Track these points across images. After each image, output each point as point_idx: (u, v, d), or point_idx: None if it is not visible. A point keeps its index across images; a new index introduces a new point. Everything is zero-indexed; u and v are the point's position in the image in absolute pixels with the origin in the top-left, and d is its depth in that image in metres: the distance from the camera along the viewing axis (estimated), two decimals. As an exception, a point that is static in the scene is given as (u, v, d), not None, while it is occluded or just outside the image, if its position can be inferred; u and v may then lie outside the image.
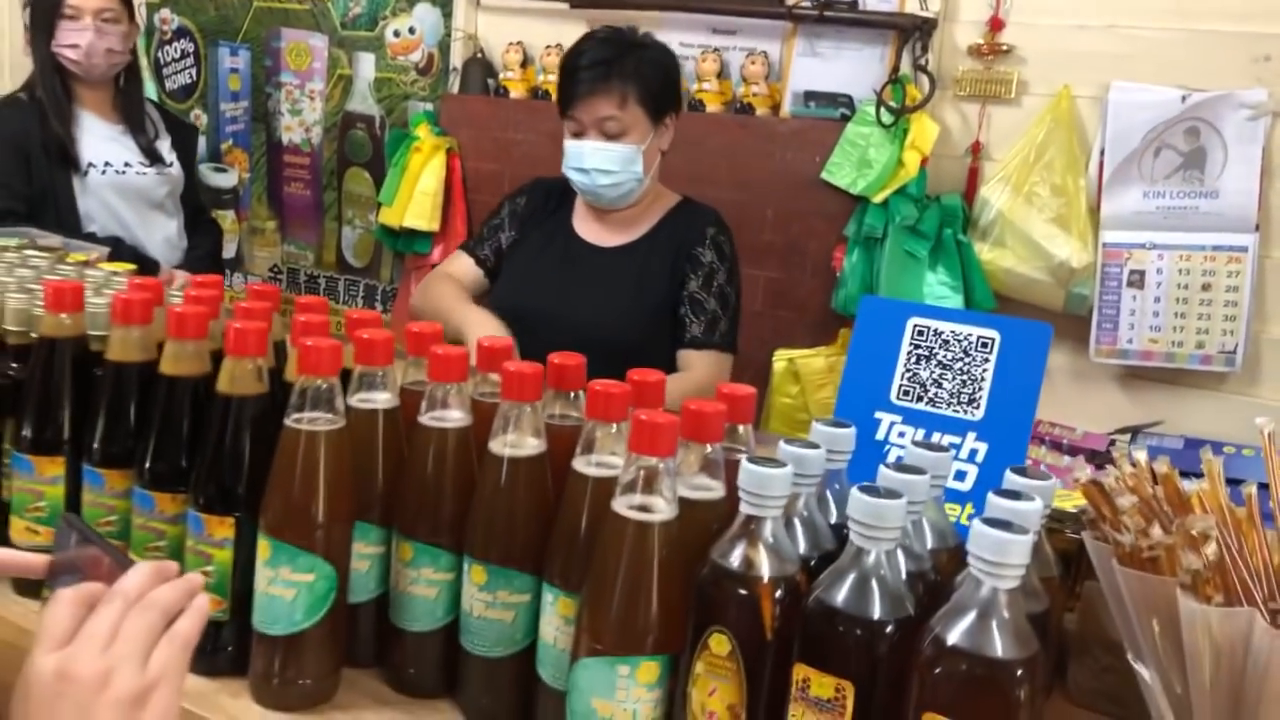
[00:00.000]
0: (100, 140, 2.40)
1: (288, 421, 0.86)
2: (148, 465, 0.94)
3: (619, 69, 1.78)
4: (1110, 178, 2.23)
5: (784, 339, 2.52)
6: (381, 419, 0.93)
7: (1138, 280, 2.25)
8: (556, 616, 0.83)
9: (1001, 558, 0.61)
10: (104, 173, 2.37)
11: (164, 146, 2.52)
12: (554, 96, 2.02)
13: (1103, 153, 2.23)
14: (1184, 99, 2.16)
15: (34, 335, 1.04)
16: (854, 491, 0.67)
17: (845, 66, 2.49)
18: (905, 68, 2.37)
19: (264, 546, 0.86)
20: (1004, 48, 2.33)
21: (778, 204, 2.53)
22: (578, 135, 1.83)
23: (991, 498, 0.69)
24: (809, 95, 2.53)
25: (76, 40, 2.29)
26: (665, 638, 0.74)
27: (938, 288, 2.29)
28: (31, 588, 1.01)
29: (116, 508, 0.97)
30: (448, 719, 0.90)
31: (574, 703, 0.76)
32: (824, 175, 2.43)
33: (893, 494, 0.67)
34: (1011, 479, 0.75)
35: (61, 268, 1.35)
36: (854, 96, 2.47)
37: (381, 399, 0.93)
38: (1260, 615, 0.54)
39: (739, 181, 2.56)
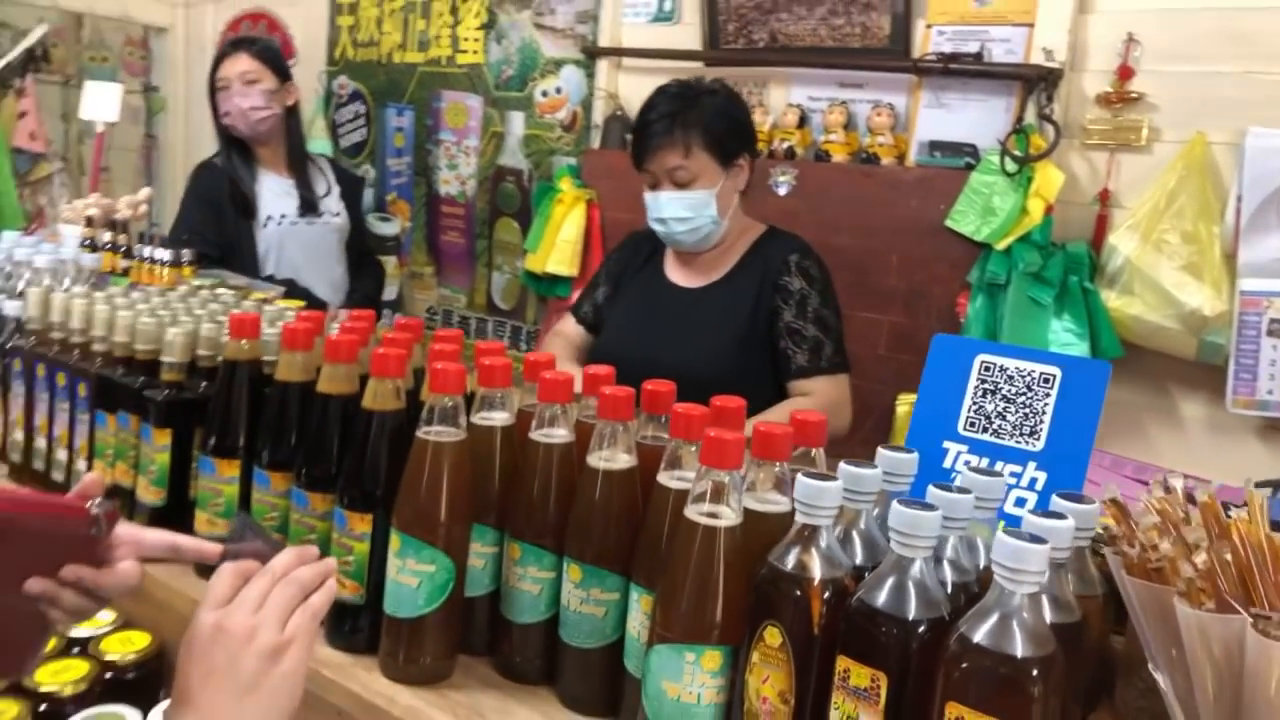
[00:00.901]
0: (275, 195, 2.72)
1: (418, 433, 1.00)
2: (304, 469, 1.10)
3: (682, 120, 1.89)
4: (1248, 224, 2.18)
5: (907, 383, 2.53)
6: (499, 435, 1.06)
7: (1279, 329, 2.17)
8: (640, 613, 0.93)
9: (1019, 564, 0.68)
10: (279, 224, 2.69)
11: (331, 199, 2.80)
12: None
13: (1239, 199, 2.19)
14: (1326, 144, 2.10)
15: (219, 359, 1.24)
16: (894, 504, 0.75)
17: (970, 116, 2.53)
18: (1030, 117, 2.39)
19: (395, 540, 1.01)
20: (1133, 95, 2.32)
21: (902, 250, 2.58)
22: (654, 187, 1.95)
23: (1027, 515, 0.76)
24: (934, 145, 2.59)
25: (227, 106, 2.64)
26: (727, 630, 0.83)
27: (1063, 334, 2.28)
28: (208, 571, 1.20)
29: (278, 505, 1.14)
30: (547, 704, 1.01)
31: (648, 685, 0.86)
32: (948, 222, 2.47)
33: (929, 507, 0.75)
34: (1055, 502, 0.81)
35: (245, 303, 1.56)
36: (978, 146, 2.50)
37: (499, 417, 1.07)
38: (1249, 621, 0.59)
39: (864, 228, 2.63)
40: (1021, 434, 0.94)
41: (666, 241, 2.02)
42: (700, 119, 1.90)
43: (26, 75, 3.87)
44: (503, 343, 3.35)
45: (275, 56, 2.74)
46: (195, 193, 2.73)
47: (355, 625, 1.07)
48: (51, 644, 1.16)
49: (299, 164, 2.78)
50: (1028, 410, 0.94)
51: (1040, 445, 0.93)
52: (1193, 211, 2.20)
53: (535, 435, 1.03)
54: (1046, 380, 0.95)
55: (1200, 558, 0.62)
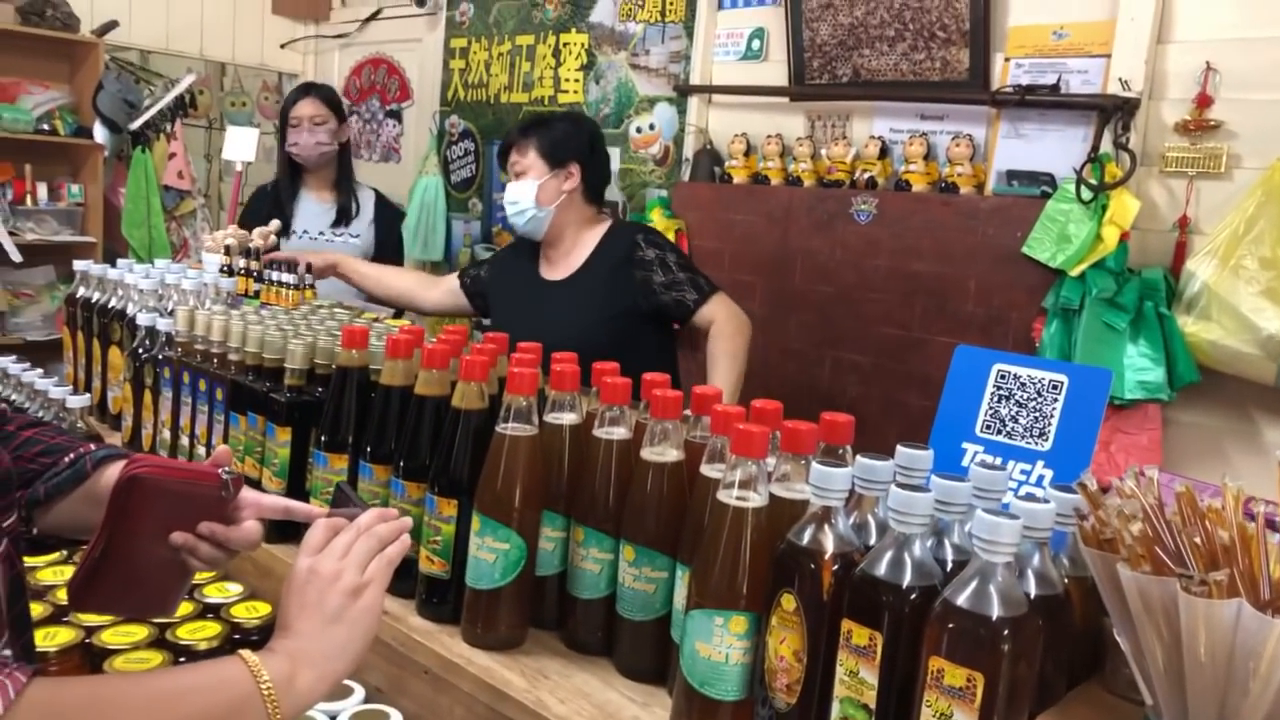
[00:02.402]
0: (310, 214, 3.16)
1: (497, 429, 1.16)
2: (401, 461, 1.27)
3: (528, 129, 2.38)
4: (1329, 250, 2.18)
5: (985, 407, 2.60)
6: (567, 432, 1.21)
7: (1362, 355, 2.16)
8: (685, 589, 1.06)
9: (993, 536, 0.78)
10: (300, 238, 3.10)
11: (358, 223, 3.20)
12: (771, 181, 2.79)
13: (1320, 225, 2.19)
14: None
15: (333, 366, 1.42)
16: (893, 488, 0.87)
17: (1047, 146, 2.59)
18: (1106, 146, 2.43)
19: (476, 521, 1.16)
20: (1212, 123, 2.35)
21: (980, 277, 2.65)
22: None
23: (1013, 499, 0.86)
24: (1011, 174, 2.65)
25: (295, 140, 3.12)
26: (752, 598, 0.95)
27: (1139, 359, 2.31)
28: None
29: (379, 493, 1.31)
30: (606, 672, 1.14)
31: (684, 646, 0.98)
32: (1024, 250, 2.52)
33: (922, 490, 0.86)
34: (1048, 491, 0.91)
35: (357, 320, 1.76)
36: (1055, 175, 2.55)
37: (568, 418, 1.21)
38: (1179, 583, 0.68)
39: (942, 255, 2.71)
40: (1032, 435, 1.03)
41: (515, 228, 2.43)
42: (542, 131, 2.35)
43: (176, 120, 4.28)
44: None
45: (337, 101, 3.25)
46: (247, 212, 3.21)
47: (443, 597, 1.22)
48: (189, 608, 1.36)
49: (344, 189, 3.22)
50: (1038, 414, 1.03)
51: (1048, 445, 1.02)
52: (1272, 237, 2.21)
53: (598, 432, 1.17)
54: (1055, 386, 1.04)
55: (1136, 526, 0.72)
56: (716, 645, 0.95)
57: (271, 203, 3.15)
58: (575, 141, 2.39)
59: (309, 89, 3.22)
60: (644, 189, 3.57)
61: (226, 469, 1.04)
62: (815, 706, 0.89)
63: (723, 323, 2.27)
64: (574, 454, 1.20)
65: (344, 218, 3.19)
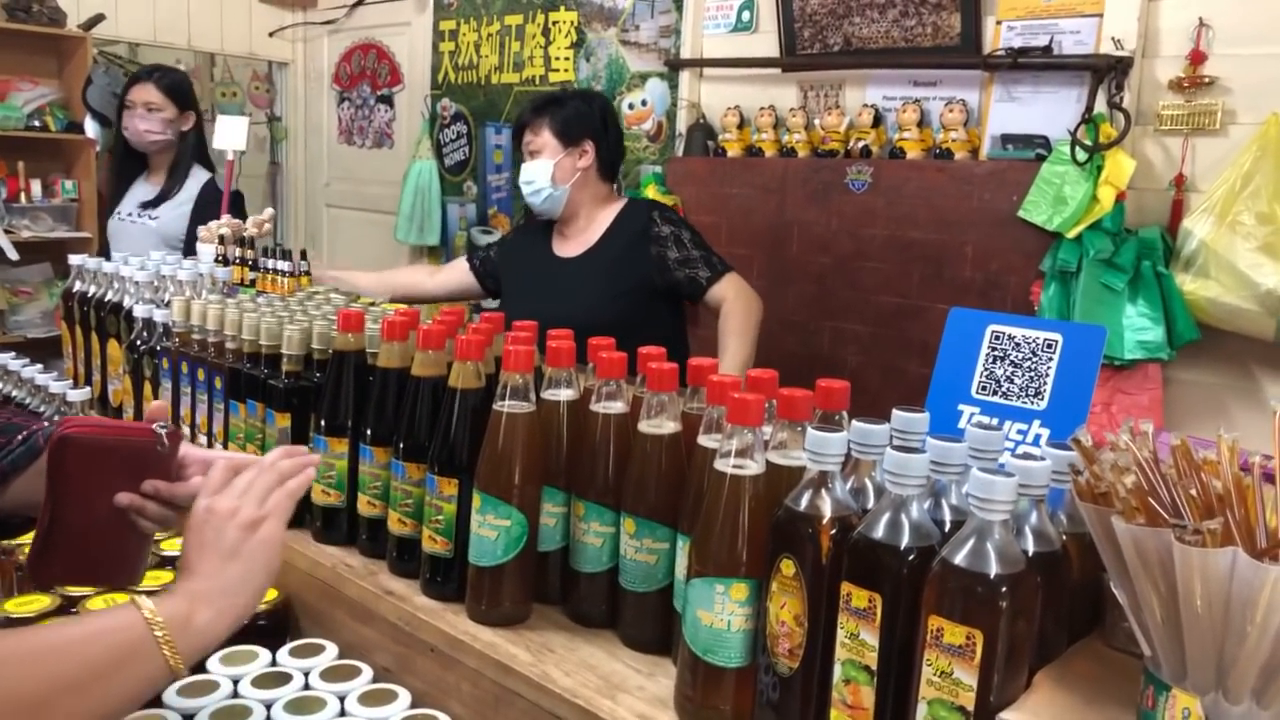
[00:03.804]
0: (136, 195, 3.19)
1: (495, 407, 1.16)
2: (401, 442, 1.28)
3: (539, 108, 2.39)
4: (1327, 203, 2.17)
5: (985, 372, 2.60)
6: (564, 408, 1.21)
7: (1362, 308, 2.15)
8: (686, 559, 1.06)
9: (989, 494, 0.79)
10: (119, 219, 3.16)
11: (167, 206, 3.16)
12: (765, 154, 2.86)
13: (1318, 178, 2.18)
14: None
15: (330, 351, 1.43)
16: (888, 450, 0.87)
17: (1041, 108, 2.57)
18: (1100, 106, 2.42)
19: (476, 499, 1.16)
20: (1206, 80, 2.33)
21: (976, 242, 2.64)
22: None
23: (1008, 456, 0.86)
24: (1006, 138, 2.64)
25: (128, 124, 3.13)
26: (752, 565, 0.95)
27: (1138, 319, 2.31)
28: (328, 537, 1.39)
29: (380, 475, 1.32)
30: (610, 644, 1.15)
31: (686, 615, 0.99)
32: (1020, 213, 2.52)
33: (917, 451, 0.86)
34: (1043, 448, 0.91)
35: (354, 305, 1.76)
36: (1050, 137, 2.54)
37: (565, 394, 1.22)
38: (1174, 534, 0.68)
39: (939, 222, 2.70)
40: (1027, 395, 1.03)
41: (535, 210, 2.45)
42: (554, 109, 2.38)
43: (166, 112, 4.25)
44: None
45: (179, 89, 3.17)
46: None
47: (446, 576, 1.23)
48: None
49: (171, 174, 3.20)
50: (1032, 373, 1.03)
51: (1044, 404, 1.02)
52: (1269, 192, 2.20)
53: (595, 407, 1.17)
54: (1049, 345, 1.03)
55: (1129, 478, 0.72)
56: (718, 613, 0.96)
57: (108, 182, 3.22)
58: (588, 119, 2.40)
59: (151, 72, 3.18)
60: (638, 165, 3.55)
61: (160, 423, 1.04)
62: (817, 670, 0.89)
63: (733, 301, 2.28)
64: (572, 429, 1.21)
65: (155, 202, 3.16)
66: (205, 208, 3.09)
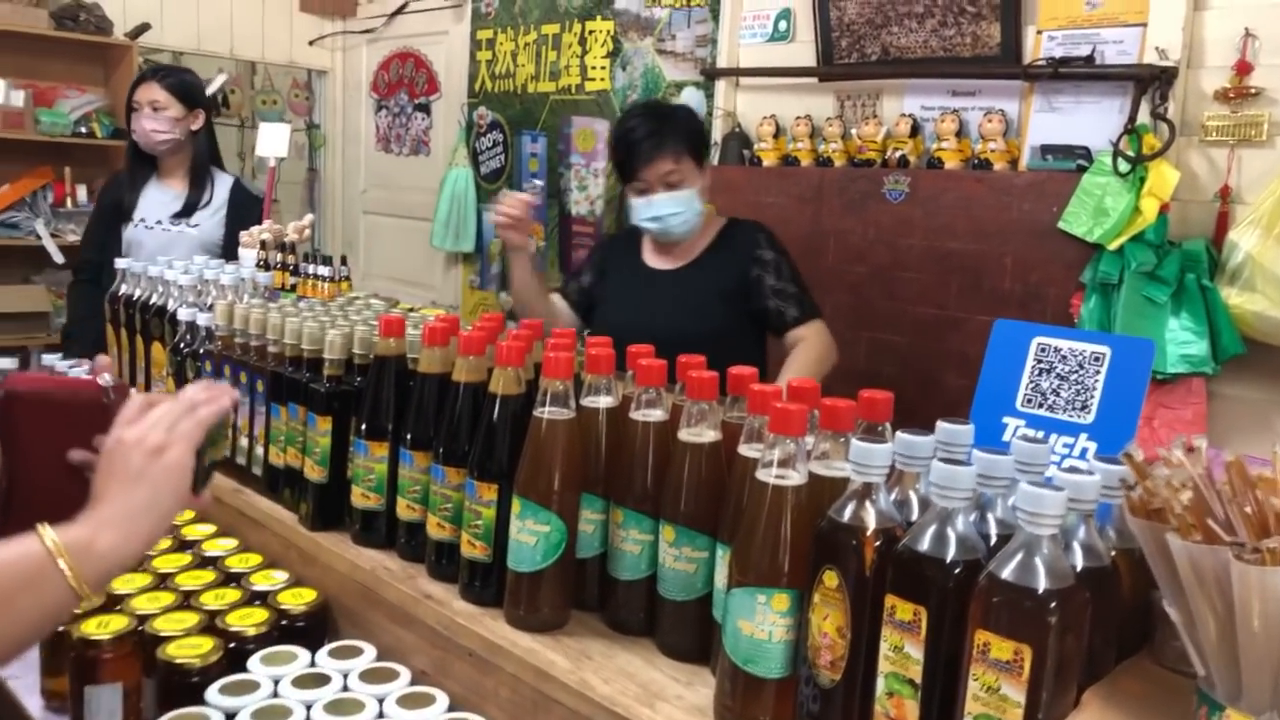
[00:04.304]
0: (154, 202, 3.05)
1: (535, 413, 1.17)
2: (441, 447, 1.28)
3: (670, 133, 2.24)
4: (1378, 216, 2.13)
5: (1023, 385, 2.58)
6: (604, 415, 1.21)
7: None
8: (726, 568, 1.06)
9: (1037, 508, 0.78)
10: (137, 226, 3.02)
11: (205, 212, 3.06)
12: (801, 163, 2.76)
13: (1368, 191, 2.14)
14: None
15: (371, 356, 1.44)
16: (935, 462, 0.86)
17: (1082, 119, 2.55)
18: (1144, 117, 2.39)
19: (516, 504, 1.17)
20: (1253, 91, 2.30)
21: (1015, 253, 2.61)
22: (643, 193, 2.26)
23: (1055, 470, 0.85)
24: (1046, 149, 2.61)
25: (135, 125, 3.01)
26: (794, 575, 0.95)
27: (1180, 333, 2.27)
28: (367, 539, 1.40)
29: (420, 479, 1.33)
30: (648, 651, 1.15)
31: (726, 625, 0.99)
32: (1060, 225, 2.49)
33: (963, 463, 0.85)
34: (1092, 462, 0.90)
35: (393, 310, 1.78)
36: (1091, 148, 2.51)
37: (604, 401, 1.22)
38: (1232, 552, 0.67)
39: (977, 232, 2.68)
40: (1074, 408, 1.02)
41: (660, 237, 2.32)
42: (680, 130, 2.26)
43: (209, 119, 4.32)
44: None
45: (185, 88, 3.05)
46: (98, 203, 3.18)
47: (485, 581, 1.23)
48: (238, 595, 1.38)
49: (195, 178, 3.10)
50: (1079, 386, 1.02)
51: (1091, 418, 1.00)
52: (1317, 205, 2.16)
53: (635, 415, 1.17)
54: (1097, 359, 1.02)
55: (1186, 495, 0.71)
56: (759, 623, 0.95)
57: (120, 188, 3.08)
58: (706, 137, 2.36)
59: (155, 72, 3.09)
60: (673, 174, 3.56)
61: (105, 376, 1.06)
62: (860, 682, 0.89)
63: (811, 339, 2.23)
64: (612, 436, 1.21)
65: (189, 209, 3.06)
66: (239, 210, 3.09)
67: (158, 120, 2.98)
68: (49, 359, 1.97)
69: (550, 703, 1.10)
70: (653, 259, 2.40)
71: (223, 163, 3.26)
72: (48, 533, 0.87)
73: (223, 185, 3.14)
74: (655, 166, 2.22)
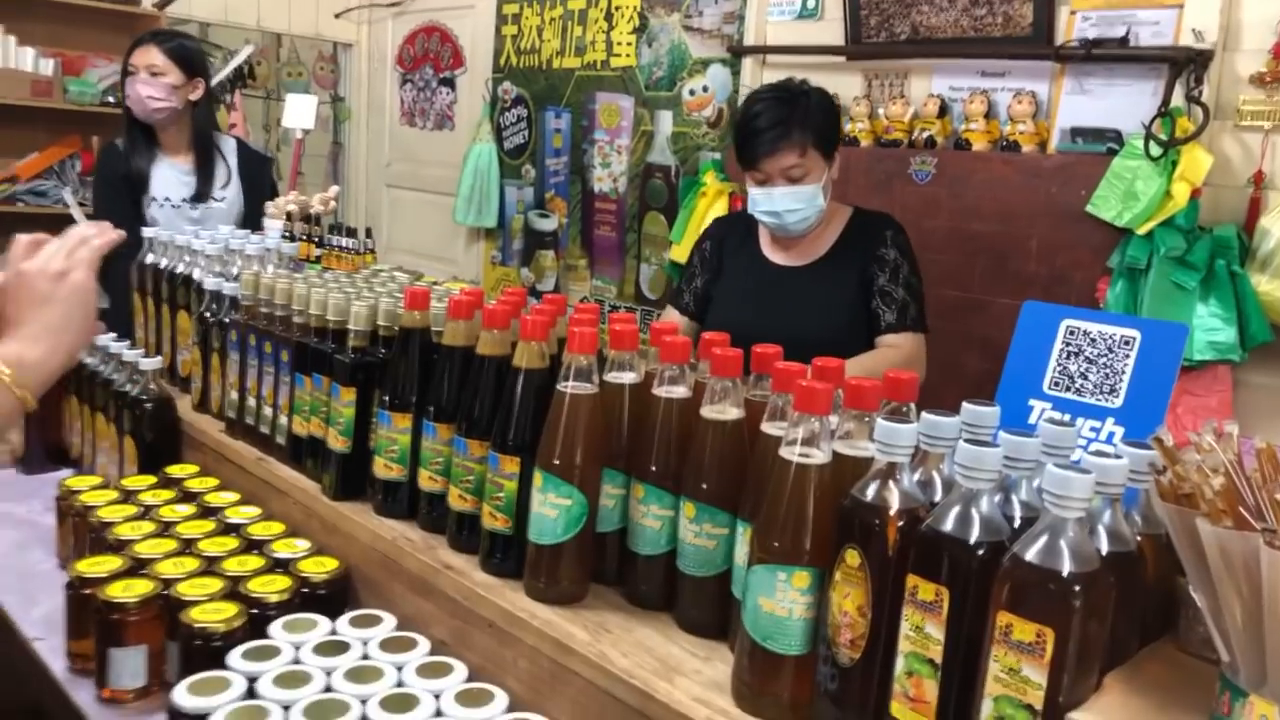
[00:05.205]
0: (168, 180, 2.89)
1: (558, 387, 1.17)
2: (464, 420, 1.29)
3: (797, 123, 2.05)
4: None
5: (1046, 370, 2.56)
6: (627, 391, 1.21)
7: None
8: (746, 545, 1.06)
9: (1065, 490, 0.77)
10: (162, 206, 2.87)
11: (229, 188, 2.93)
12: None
13: (1407, 179, 2.10)
14: None
15: (396, 328, 1.44)
16: (960, 443, 0.86)
17: (1114, 101, 2.51)
18: (1177, 100, 2.36)
19: (538, 477, 1.17)
20: (1290, 74, 2.26)
21: (1042, 236, 2.59)
22: (763, 184, 2.10)
23: (1084, 454, 0.84)
24: (1076, 131, 2.58)
25: (130, 92, 2.82)
26: (815, 554, 0.95)
27: (1209, 319, 2.24)
28: (391, 509, 1.41)
29: (442, 451, 1.33)
30: (666, 626, 1.15)
31: (747, 601, 0.99)
32: (1088, 208, 2.46)
33: (989, 445, 0.84)
34: (1119, 446, 0.89)
35: (417, 283, 1.78)
36: (1122, 131, 2.48)
37: (628, 376, 1.22)
38: (1263, 538, 0.66)
39: (1004, 215, 2.65)
40: (1102, 392, 1.01)
41: (777, 231, 2.18)
42: (809, 119, 2.06)
43: (236, 91, 4.34)
44: (634, 314, 3.52)
45: (185, 53, 2.86)
46: (102, 175, 2.97)
47: (505, 553, 1.24)
48: (261, 562, 1.39)
49: (201, 152, 2.92)
50: (1108, 370, 1.01)
51: (1119, 402, 0.99)
52: (1353, 192, 2.13)
53: (658, 391, 1.17)
54: (1127, 342, 1.01)
55: (1218, 480, 0.70)
56: (779, 600, 0.96)
57: (123, 161, 2.87)
58: (838, 124, 2.15)
59: (155, 35, 2.90)
60: (697, 152, 3.54)
61: None
62: (879, 661, 0.89)
63: (899, 351, 2.07)
64: (634, 412, 1.21)
65: (205, 185, 2.91)
66: (251, 171, 2.99)
67: (154, 86, 2.78)
68: None
69: (569, 674, 1.10)
70: (773, 252, 2.24)
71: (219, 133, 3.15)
72: None
73: (229, 153, 3.04)
74: (778, 159, 2.05)
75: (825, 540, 0.94)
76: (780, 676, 0.96)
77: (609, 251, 3.96)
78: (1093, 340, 1.03)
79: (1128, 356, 1.01)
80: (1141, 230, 2.33)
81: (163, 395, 1.84)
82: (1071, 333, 1.05)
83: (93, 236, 1.10)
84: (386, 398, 1.40)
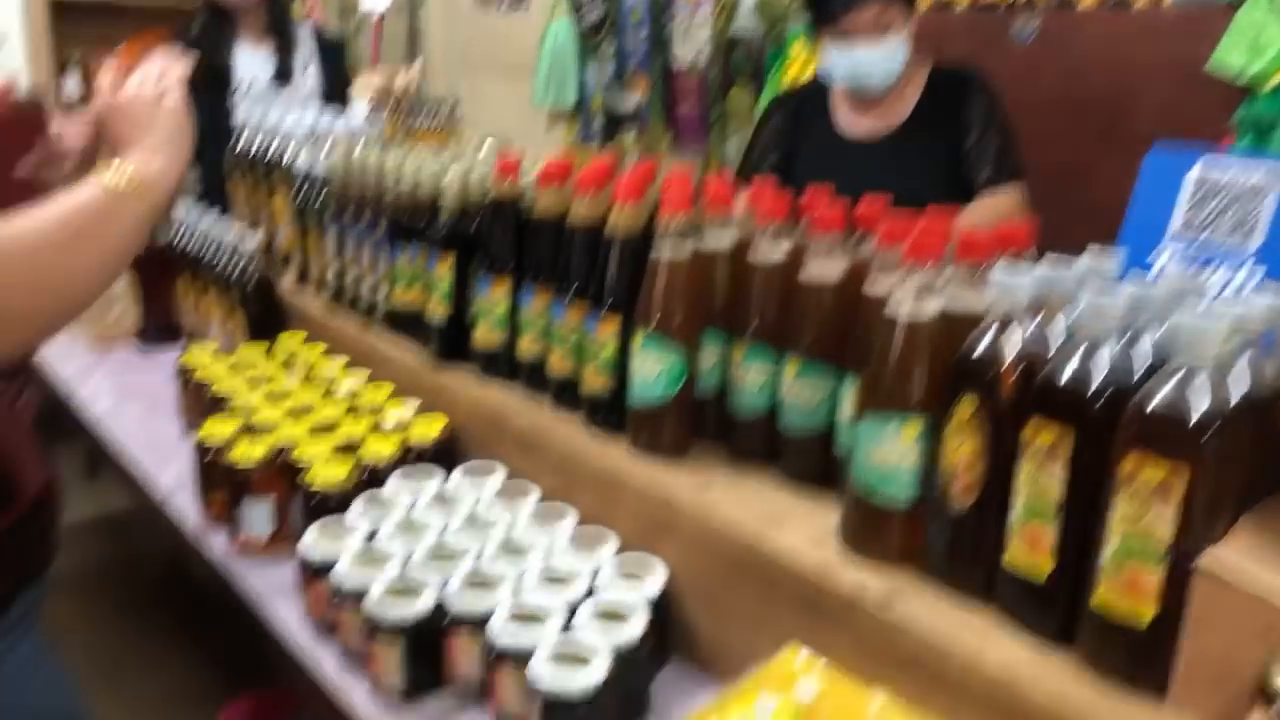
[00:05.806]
0: (247, 65, 2.82)
1: (655, 248, 1.15)
2: (561, 284, 1.29)
3: None
4: None
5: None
6: (727, 251, 1.19)
7: None
8: (854, 398, 1.04)
9: (1196, 333, 0.74)
10: (248, 93, 2.76)
11: (310, 73, 2.87)
12: (922, 6, 2.31)
13: None
14: None
15: (487, 198, 1.44)
16: (1082, 291, 0.82)
17: (1243, -56, 2.31)
18: (1316, -62, 2.16)
19: (637, 338, 1.17)
20: None
21: (1157, 96, 2.43)
22: (841, 41, 1.99)
23: (1219, 297, 0.80)
24: (1197, -20, 2.39)
25: None
26: (927, 403, 0.93)
27: (1338, 181, 2.10)
28: (492, 370, 1.43)
29: (541, 316, 1.34)
30: (772, 479, 1.15)
31: (856, 453, 0.98)
32: (1208, 68, 2.30)
33: (1110, 292, 0.81)
34: (1258, 288, 0.84)
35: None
36: (1249, -23, 2.29)
37: (727, 236, 1.20)
38: None
39: (1114, 75, 2.50)
40: (1237, 235, 0.95)
41: (856, 95, 2.08)
42: None
43: (311, -26, 4.29)
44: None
45: None
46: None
47: (608, 413, 1.26)
48: (371, 421, 1.44)
49: (281, 34, 2.85)
50: (1243, 213, 0.95)
51: (1257, 244, 0.94)
52: None
53: (758, 249, 1.15)
54: (1264, 184, 0.95)
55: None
56: (889, 450, 0.95)
57: (198, 59, 2.80)
58: None
59: None
60: (784, 21, 3.40)
61: (13, 91, 1.20)
62: (995, 508, 0.88)
63: (1005, 201, 1.99)
64: (734, 272, 1.19)
65: (286, 65, 2.86)
66: (329, 54, 2.98)
67: None
68: (190, 215, 2.04)
69: (674, 526, 1.12)
70: (849, 124, 2.13)
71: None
72: (106, 171, 1.02)
73: (304, 37, 3.00)
74: (860, 12, 1.94)
75: (937, 390, 0.93)
76: (889, 526, 0.97)
77: (692, 128, 3.87)
78: (1225, 184, 0.97)
79: (1265, 197, 0.95)
80: (1268, 86, 2.17)
81: (265, 272, 1.89)
82: (1202, 176, 0.99)
83: (171, 65, 1.17)
84: (484, 264, 1.41)
